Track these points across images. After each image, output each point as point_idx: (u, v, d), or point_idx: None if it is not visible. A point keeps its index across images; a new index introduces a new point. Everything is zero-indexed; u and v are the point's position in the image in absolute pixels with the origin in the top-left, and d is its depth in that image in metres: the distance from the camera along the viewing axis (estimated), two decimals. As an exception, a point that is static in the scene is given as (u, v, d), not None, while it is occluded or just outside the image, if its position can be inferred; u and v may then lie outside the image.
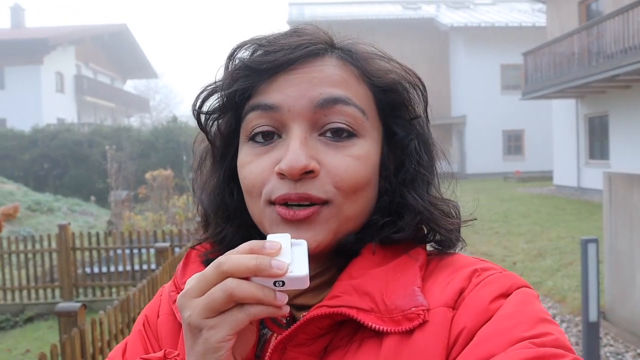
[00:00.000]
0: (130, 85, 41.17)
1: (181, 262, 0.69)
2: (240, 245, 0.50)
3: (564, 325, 5.09)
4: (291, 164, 0.55)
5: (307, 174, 0.57)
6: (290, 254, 0.50)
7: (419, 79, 0.66)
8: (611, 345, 4.51)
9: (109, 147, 11.96)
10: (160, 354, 0.58)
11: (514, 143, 24.51)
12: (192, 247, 0.70)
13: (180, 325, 0.63)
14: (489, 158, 23.95)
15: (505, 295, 0.54)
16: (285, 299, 0.49)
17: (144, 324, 0.69)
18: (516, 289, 0.55)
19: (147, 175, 10.78)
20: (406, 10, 27.92)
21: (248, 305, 0.48)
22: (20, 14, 29.03)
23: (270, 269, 0.47)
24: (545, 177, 20.20)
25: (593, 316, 3.97)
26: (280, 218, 0.58)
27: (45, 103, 25.07)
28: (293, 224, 0.57)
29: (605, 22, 11.92)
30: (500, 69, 24.10)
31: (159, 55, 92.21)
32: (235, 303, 0.48)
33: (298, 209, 0.57)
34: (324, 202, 0.58)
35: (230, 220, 0.66)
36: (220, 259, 0.49)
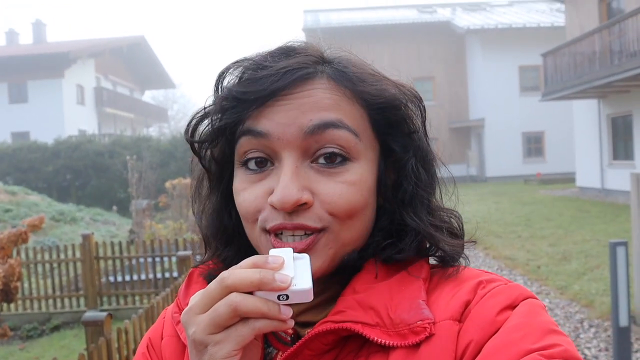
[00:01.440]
0: (149, 96, 41.81)
1: (183, 283, 0.69)
2: (244, 260, 0.50)
3: (593, 330, 4.98)
4: (283, 199, 0.55)
5: (301, 206, 0.56)
6: (293, 268, 0.50)
7: (415, 93, 0.64)
8: (643, 351, 4.39)
9: (129, 157, 12.13)
10: None
11: (534, 145, 24.19)
12: (195, 267, 0.70)
13: (184, 346, 0.63)
14: (509, 161, 23.67)
15: (512, 306, 0.54)
16: (289, 312, 0.49)
17: (147, 347, 0.69)
18: (522, 300, 0.55)
19: (167, 184, 10.89)
20: (422, 14, 27.82)
21: (253, 319, 0.48)
22: (42, 29, 29.75)
23: (274, 282, 0.48)
24: (568, 179, 19.89)
25: (623, 321, 3.87)
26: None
27: (67, 115, 25.59)
28: None
29: (628, 19, 11.71)
30: (518, 70, 23.85)
31: (176, 65, 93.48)
32: (240, 318, 0.48)
33: (293, 242, 0.57)
34: (320, 230, 0.57)
35: (229, 243, 0.66)
36: (224, 274, 0.49)
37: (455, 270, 0.61)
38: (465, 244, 0.64)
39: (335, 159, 0.58)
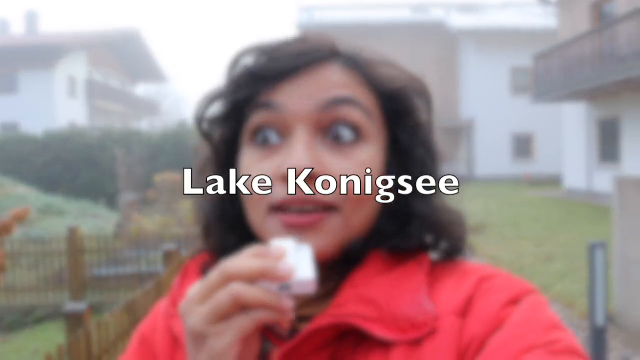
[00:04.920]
0: (141, 90, 41.55)
1: (178, 277, 0.67)
2: (244, 250, 0.49)
3: (572, 329, 5.05)
4: (294, 166, 0.54)
5: (311, 178, 0.55)
6: (295, 258, 0.48)
7: (425, 85, 0.64)
8: (619, 350, 4.46)
9: (118, 150, 12.08)
10: None
11: (523, 146, 24.35)
12: (191, 258, 0.68)
13: (176, 340, 0.62)
14: (498, 161, 23.82)
15: (515, 301, 0.53)
16: (290, 303, 0.47)
17: (139, 342, 0.67)
18: (525, 295, 0.54)
19: (156, 178, 10.86)
20: (415, 14, 27.87)
21: (253, 310, 0.46)
22: (34, 20, 29.47)
23: (276, 272, 0.46)
24: (556, 180, 20.04)
25: (600, 320, 3.93)
26: (283, 226, 0.56)
27: (58, 107, 25.38)
28: (295, 230, 0.55)
29: (619, 24, 11.82)
30: (510, 71, 24.00)
31: (168, 59, 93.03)
32: (240, 308, 0.46)
33: (300, 215, 0.55)
34: (330, 207, 0.56)
35: (232, 229, 0.64)
36: (224, 262, 0.47)
37: (456, 263, 0.61)
38: (470, 231, 0.64)
39: (348, 137, 0.57)
